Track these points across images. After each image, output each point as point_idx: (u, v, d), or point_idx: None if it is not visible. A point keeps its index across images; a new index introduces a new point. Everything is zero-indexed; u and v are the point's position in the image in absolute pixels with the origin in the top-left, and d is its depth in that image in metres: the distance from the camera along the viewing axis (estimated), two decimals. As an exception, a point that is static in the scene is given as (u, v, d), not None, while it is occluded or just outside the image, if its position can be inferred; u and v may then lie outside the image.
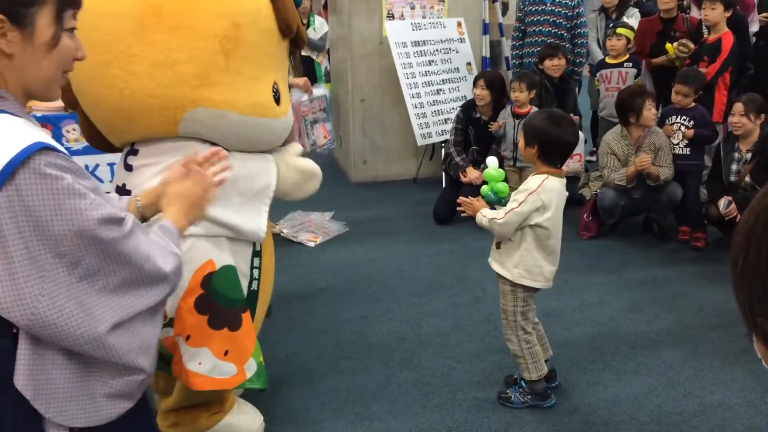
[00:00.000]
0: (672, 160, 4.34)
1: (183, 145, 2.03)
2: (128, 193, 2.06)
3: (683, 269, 4.03)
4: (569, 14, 5.44)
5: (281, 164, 2.23)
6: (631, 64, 5.25)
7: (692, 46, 4.90)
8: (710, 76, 4.69)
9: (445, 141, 5.45)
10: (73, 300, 1.16)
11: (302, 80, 4.16)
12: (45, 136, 1.14)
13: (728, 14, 4.77)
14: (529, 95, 4.76)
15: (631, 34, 5.33)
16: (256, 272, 2.27)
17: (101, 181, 5.27)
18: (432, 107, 5.64)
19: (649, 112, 4.31)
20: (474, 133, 4.99)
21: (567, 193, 2.55)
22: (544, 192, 2.42)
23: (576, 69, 5.60)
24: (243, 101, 2.03)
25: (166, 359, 2.13)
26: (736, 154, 4.20)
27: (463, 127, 5.02)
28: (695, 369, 2.91)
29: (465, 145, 5.04)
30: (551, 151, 2.45)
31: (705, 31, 4.97)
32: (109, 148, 2.24)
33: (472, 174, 4.81)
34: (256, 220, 2.15)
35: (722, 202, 4.08)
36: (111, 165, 5.25)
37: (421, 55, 5.67)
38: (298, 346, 3.17)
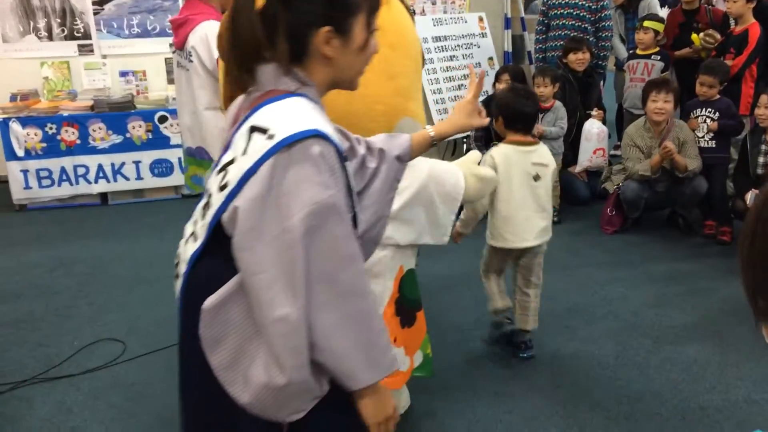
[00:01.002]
0: (698, 153, 4.29)
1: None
2: None
3: (709, 263, 3.99)
4: (593, 7, 5.39)
5: (464, 171, 2.32)
6: (659, 57, 5.19)
7: (719, 36, 4.84)
8: (737, 68, 4.63)
9: (467, 137, 5.44)
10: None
11: None
12: (327, 127, 1.23)
13: (752, 5, 4.69)
14: (553, 89, 4.73)
15: (659, 27, 5.27)
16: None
17: (126, 179, 5.38)
18: (453, 102, 5.63)
19: (654, 104, 4.24)
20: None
21: (534, 161, 2.83)
22: (496, 155, 2.78)
23: (600, 63, 5.55)
24: (421, 113, 2.26)
25: None
26: (764, 147, 4.13)
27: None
28: (720, 364, 2.87)
29: (486, 140, 5.02)
30: (513, 120, 2.82)
31: (732, 22, 4.90)
32: None
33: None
34: (443, 229, 2.25)
35: (749, 196, 4.02)
36: (137, 163, 5.35)
37: (443, 51, 5.67)
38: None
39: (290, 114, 1.22)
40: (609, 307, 3.44)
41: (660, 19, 5.37)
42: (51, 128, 5.19)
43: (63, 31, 5.72)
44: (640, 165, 4.33)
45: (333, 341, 1.19)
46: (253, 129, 1.23)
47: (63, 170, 5.26)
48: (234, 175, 1.21)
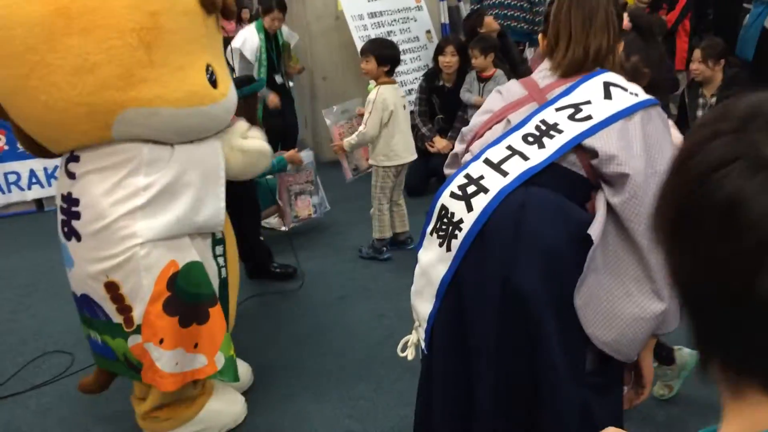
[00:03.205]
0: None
1: (123, 147, 1.95)
2: (76, 202, 1.99)
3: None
4: (525, -26, 5.35)
5: (225, 148, 2.15)
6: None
7: (651, -6, 4.88)
8: (670, 23, 4.67)
9: (411, 112, 5.37)
10: None
11: (291, 153, 3.90)
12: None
13: (682, -39, 4.74)
14: (487, 59, 4.69)
15: None
16: (221, 260, 2.23)
17: (21, 189, 5.09)
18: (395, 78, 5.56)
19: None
20: (438, 101, 4.93)
21: (402, 95, 3.87)
22: (380, 99, 3.62)
23: (535, 28, 5.55)
24: (175, 93, 1.91)
25: (136, 367, 2.08)
26: (701, 100, 4.19)
27: (427, 96, 4.95)
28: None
29: (430, 114, 4.97)
30: (383, 61, 3.64)
31: (662, -22, 4.95)
32: (50, 154, 2.15)
33: (439, 143, 4.76)
34: (213, 210, 2.08)
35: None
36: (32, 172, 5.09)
37: (379, 27, 5.57)
38: (278, 331, 3.12)
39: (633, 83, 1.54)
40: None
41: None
42: (-24, 136, 4.93)
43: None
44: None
45: None
46: (609, 84, 1.49)
47: (-7, 179, 5.02)
48: (598, 112, 1.43)
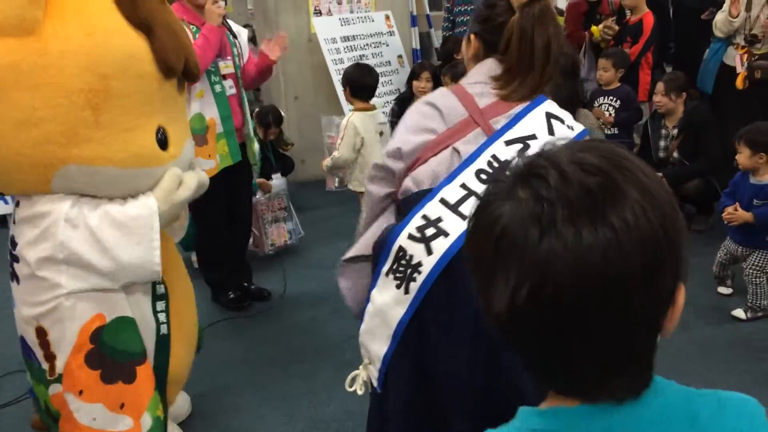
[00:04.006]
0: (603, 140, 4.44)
1: (50, 198, 1.93)
2: (15, 246, 1.99)
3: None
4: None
5: (160, 201, 2.03)
6: (561, 49, 5.35)
7: (617, 27, 5.03)
8: (634, 56, 4.82)
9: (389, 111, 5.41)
10: None
11: (260, 181, 3.99)
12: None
13: (644, -5, 4.91)
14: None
15: (560, 20, 5.43)
16: (162, 316, 2.16)
17: None
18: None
19: None
20: (410, 125, 4.98)
21: (378, 122, 3.87)
22: (357, 122, 3.70)
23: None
24: (119, 154, 1.91)
25: (54, 417, 2.06)
26: (663, 131, 4.33)
27: (398, 120, 4.99)
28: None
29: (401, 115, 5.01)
30: (357, 90, 3.77)
31: (627, 12, 5.11)
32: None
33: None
34: (146, 266, 1.99)
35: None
36: None
37: (352, 50, 5.65)
38: (249, 353, 3.11)
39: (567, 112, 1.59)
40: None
41: (559, 12, 5.54)
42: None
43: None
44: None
45: None
46: (551, 116, 1.52)
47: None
48: None
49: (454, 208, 1.46)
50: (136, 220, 1.96)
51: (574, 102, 3.92)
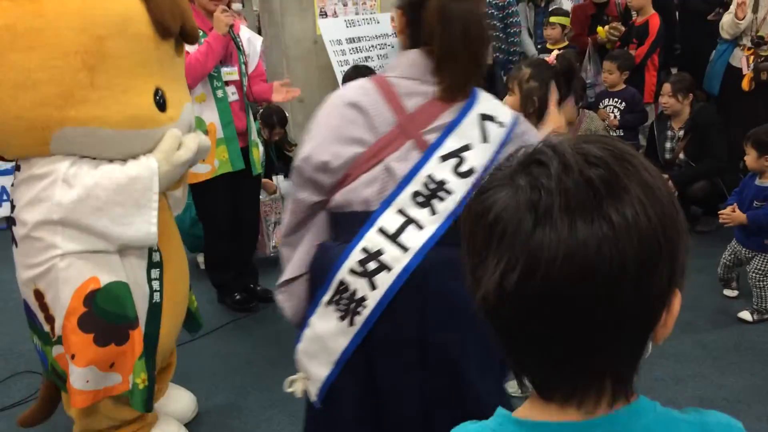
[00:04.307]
0: (609, 142, 4.44)
1: (49, 160, 1.94)
2: (14, 208, 2.02)
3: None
4: (500, 4, 5.50)
5: (164, 165, 2.04)
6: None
7: (623, 29, 5.03)
8: (640, 57, 4.82)
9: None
10: None
11: (264, 181, 3.99)
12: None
13: (650, -3, 4.91)
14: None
15: (565, 21, 5.42)
16: (155, 284, 2.16)
17: None
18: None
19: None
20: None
21: None
22: None
23: (511, 58, 5.67)
24: (116, 116, 1.92)
25: (61, 377, 2.08)
26: (669, 132, 4.33)
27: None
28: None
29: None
30: None
31: (633, 14, 5.11)
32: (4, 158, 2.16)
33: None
34: (143, 228, 1.99)
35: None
36: None
37: (357, 52, 5.65)
38: (254, 354, 3.12)
39: (497, 102, 1.51)
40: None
41: (565, 13, 5.52)
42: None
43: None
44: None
45: None
46: (484, 117, 1.45)
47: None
48: (477, 161, 1.40)
49: (393, 238, 1.41)
50: (135, 180, 1.96)
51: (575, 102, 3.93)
